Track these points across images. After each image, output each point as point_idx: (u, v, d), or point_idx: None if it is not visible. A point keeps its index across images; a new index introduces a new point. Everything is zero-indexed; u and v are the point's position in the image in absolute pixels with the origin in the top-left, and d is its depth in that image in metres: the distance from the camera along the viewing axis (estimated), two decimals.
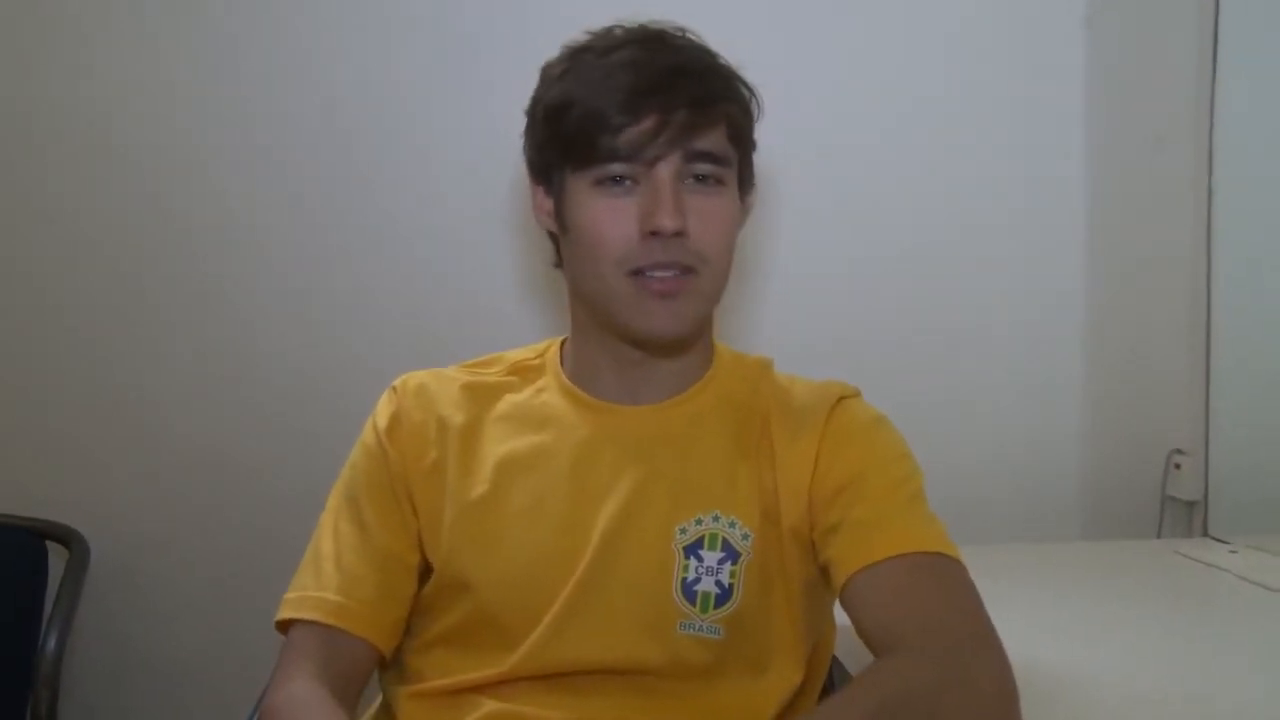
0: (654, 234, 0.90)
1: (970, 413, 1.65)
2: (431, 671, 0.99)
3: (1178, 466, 1.61)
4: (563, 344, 1.07)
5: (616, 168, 0.91)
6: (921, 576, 0.89)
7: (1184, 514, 1.62)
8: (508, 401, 1.04)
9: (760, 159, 1.55)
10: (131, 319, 1.63)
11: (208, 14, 1.59)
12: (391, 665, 1.04)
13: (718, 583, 0.95)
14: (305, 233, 1.62)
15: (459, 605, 0.98)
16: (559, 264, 1.02)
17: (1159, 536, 1.63)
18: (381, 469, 1.01)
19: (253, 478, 1.64)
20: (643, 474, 0.98)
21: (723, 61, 0.97)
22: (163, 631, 1.67)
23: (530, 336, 1.12)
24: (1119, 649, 1.13)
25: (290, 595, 0.98)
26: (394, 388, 1.05)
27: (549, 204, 0.99)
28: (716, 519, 0.96)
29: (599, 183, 0.92)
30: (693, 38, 0.97)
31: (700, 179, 0.92)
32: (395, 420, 1.02)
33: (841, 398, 1.01)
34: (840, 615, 1.03)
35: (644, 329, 0.95)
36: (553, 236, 1.01)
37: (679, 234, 0.90)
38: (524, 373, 1.06)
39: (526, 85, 0.98)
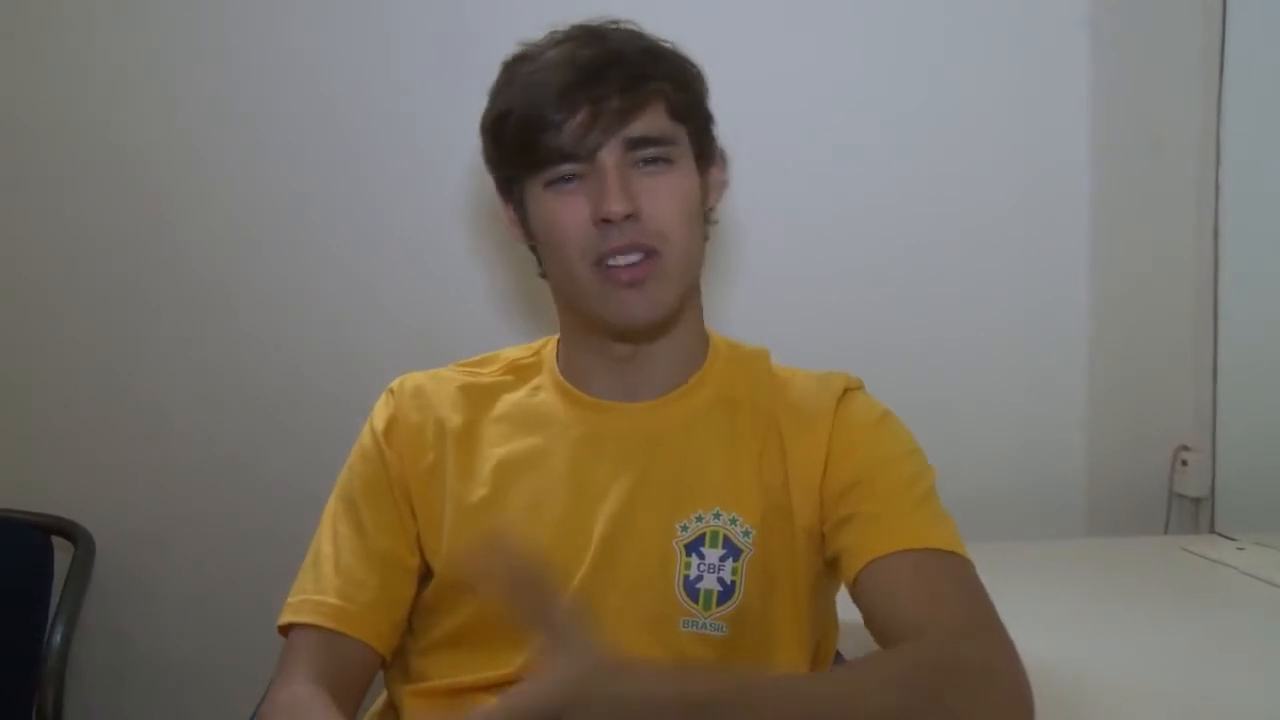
0: (606, 221, 0.90)
1: (976, 410, 1.64)
2: (436, 672, 0.99)
3: (1184, 463, 1.61)
4: (558, 341, 1.06)
5: (564, 167, 0.91)
6: (933, 571, 0.89)
7: (1191, 510, 1.62)
8: (505, 402, 1.03)
9: (762, 161, 1.56)
10: (135, 319, 1.63)
11: (208, 14, 1.58)
12: (395, 665, 1.04)
13: (720, 580, 0.94)
14: (304, 233, 1.62)
15: (462, 608, 0.98)
16: (543, 274, 1.01)
17: (1165, 533, 1.63)
18: (379, 472, 1.01)
19: (256, 477, 1.64)
20: (641, 472, 0.97)
21: (655, 42, 0.96)
22: (166, 628, 1.68)
23: (529, 336, 1.11)
24: (1125, 645, 1.13)
25: (291, 599, 0.98)
26: (391, 390, 1.05)
27: (516, 217, 0.99)
28: (717, 516, 0.96)
29: (550, 184, 0.93)
30: (629, 26, 0.97)
31: (648, 161, 0.92)
32: (392, 423, 1.02)
33: (847, 389, 1.00)
34: (843, 612, 1.04)
35: (619, 319, 0.94)
36: (531, 248, 1.01)
37: (631, 216, 0.90)
38: (520, 371, 1.06)
39: None
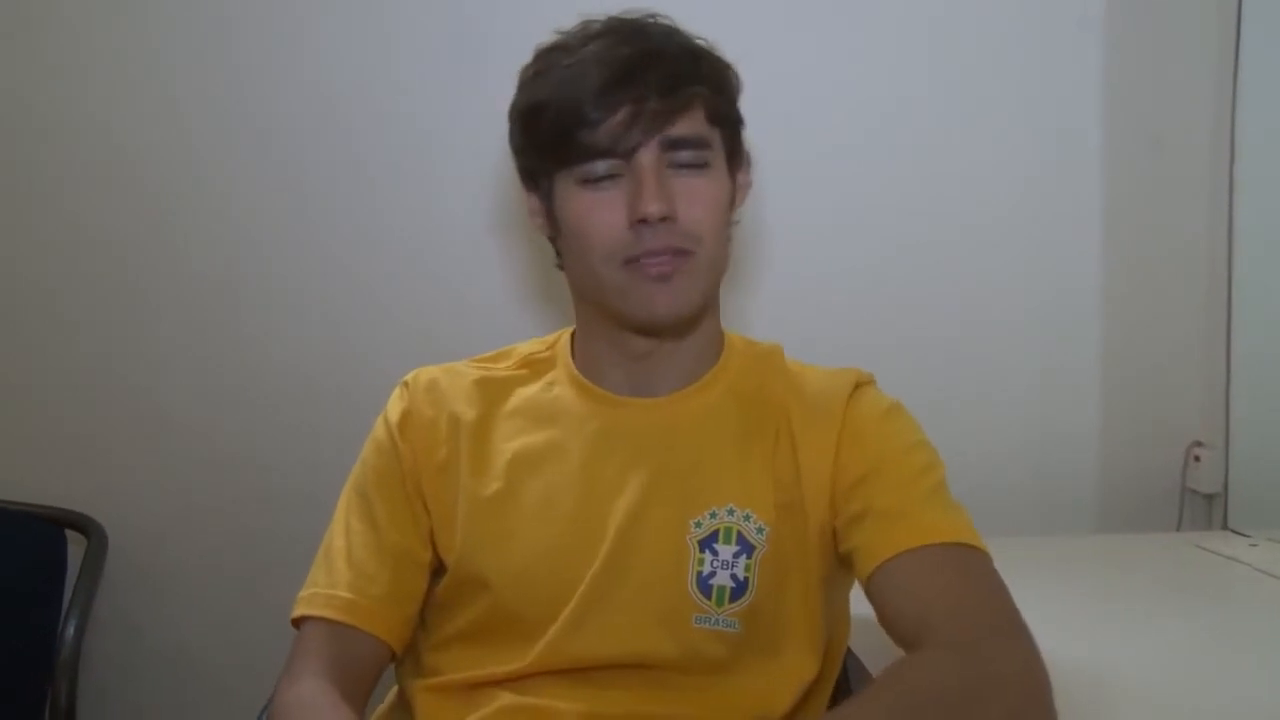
0: (642, 221, 0.89)
1: (988, 405, 1.64)
2: (448, 666, 0.99)
3: (1197, 459, 1.60)
4: (573, 334, 1.06)
5: (599, 164, 0.91)
6: (948, 567, 0.89)
7: (1203, 507, 1.61)
8: (519, 396, 1.03)
9: (774, 157, 1.55)
10: (146, 317, 1.64)
11: (210, 15, 1.59)
12: (407, 659, 1.04)
13: (733, 576, 0.94)
14: (310, 232, 1.62)
15: (475, 602, 0.98)
16: (560, 265, 1.01)
17: (1178, 529, 1.62)
18: (393, 465, 1.01)
19: (266, 472, 1.64)
20: (655, 468, 0.97)
21: (694, 41, 0.96)
22: (178, 620, 1.68)
23: (538, 331, 1.11)
24: (1137, 642, 1.13)
25: (303, 593, 0.98)
26: (405, 383, 1.05)
27: (541, 208, 0.99)
28: (731, 512, 0.96)
29: (584, 180, 0.92)
30: (664, 21, 0.96)
31: (684, 164, 0.92)
32: (406, 416, 1.02)
33: (858, 384, 1.00)
34: (854, 607, 1.04)
35: (645, 314, 0.94)
36: (551, 239, 1.01)
37: (667, 219, 0.90)
38: (535, 365, 1.06)
39: None
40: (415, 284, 1.62)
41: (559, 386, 1.03)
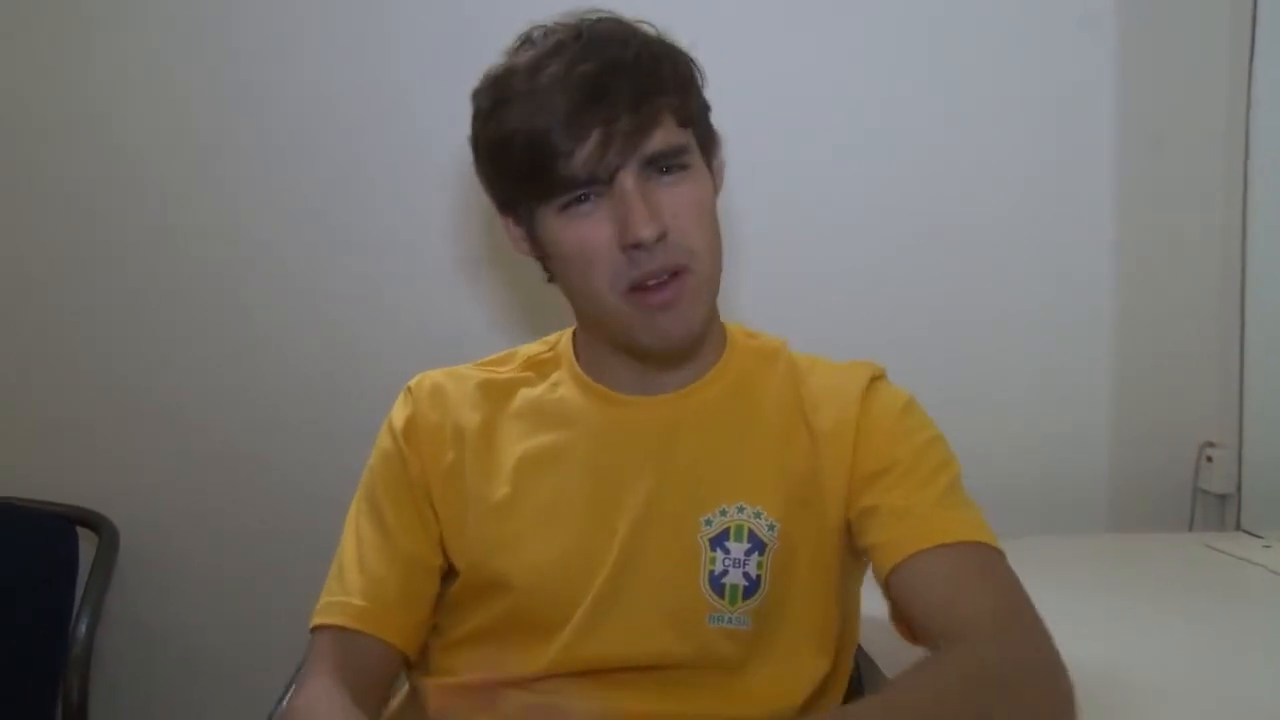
0: (635, 246, 0.88)
1: (999, 405, 1.63)
2: (462, 667, 0.99)
3: (1210, 459, 1.59)
4: (575, 333, 1.06)
5: (578, 191, 0.89)
6: (966, 566, 0.89)
7: (1216, 507, 1.60)
8: (523, 397, 1.03)
9: (774, 157, 1.55)
10: (157, 315, 1.65)
11: (210, 15, 1.59)
12: (419, 659, 1.04)
13: (745, 574, 0.94)
14: (313, 231, 1.62)
15: (489, 606, 0.98)
16: (550, 279, 0.99)
17: (1190, 530, 1.61)
18: (400, 472, 1.01)
19: (277, 470, 1.65)
20: (663, 466, 0.97)
21: (649, 39, 0.93)
22: (189, 617, 1.69)
23: (542, 331, 1.11)
24: (1148, 643, 1.12)
25: (319, 603, 0.99)
26: (409, 389, 1.05)
27: (522, 233, 0.97)
28: (741, 510, 0.95)
29: (565, 207, 0.90)
30: (607, 18, 0.93)
31: (665, 170, 0.90)
32: (411, 423, 1.02)
33: (874, 376, 1.00)
34: (864, 608, 1.03)
35: (654, 343, 0.93)
36: (538, 258, 0.99)
37: (661, 237, 0.88)
38: (538, 367, 1.06)
39: None
40: (418, 283, 1.63)
41: (563, 387, 1.03)
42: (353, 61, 1.59)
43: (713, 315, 0.99)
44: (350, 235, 1.62)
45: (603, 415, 1.00)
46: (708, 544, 0.95)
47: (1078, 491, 1.63)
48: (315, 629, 0.98)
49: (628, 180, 0.88)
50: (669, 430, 0.99)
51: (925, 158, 1.60)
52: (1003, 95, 1.60)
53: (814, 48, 1.59)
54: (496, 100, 0.92)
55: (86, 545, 1.59)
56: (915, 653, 0.89)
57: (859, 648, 1.08)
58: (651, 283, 0.90)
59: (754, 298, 1.52)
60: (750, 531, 0.95)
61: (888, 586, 0.91)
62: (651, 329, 0.92)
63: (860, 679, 1.11)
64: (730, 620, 0.94)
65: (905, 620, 0.92)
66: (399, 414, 1.03)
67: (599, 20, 0.93)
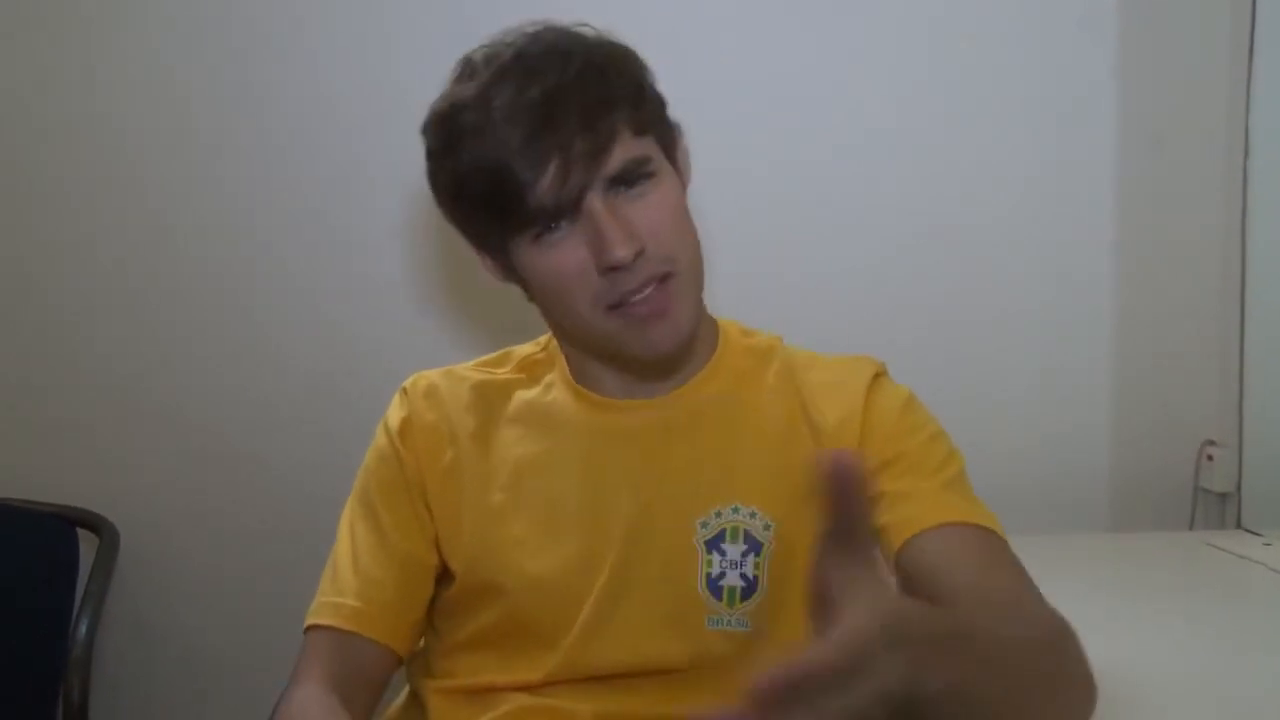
0: (613, 268, 0.87)
1: (999, 404, 1.63)
2: (462, 671, 0.99)
3: (1210, 458, 1.59)
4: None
5: (546, 220, 0.87)
6: (976, 544, 0.89)
7: (1216, 506, 1.60)
8: (519, 400, 1.02)
9: (774, 157, 1.54)
10: (157, 316, 1.65)
11: (210, 15, 1.59)
12: (418, 661, 1.04)
13: (743, 576, 0.94)
14: (313, 231, 1.63)
15: (486, 610, 0.97)
16: (531, 299, 0.98)
17: (1191, 528, 1.61)
18: (396, 472, 1.00)
19: (277, 471, 1.65)
20: (657, 469, 0.97)
21: (591, 46, 0.90)
22: (190, 618, 1.69)
23: (542, 331, 1.11)
24: (1149, 642, 1.12)
25: (313, 604, 0.98)
26: (404, 390, 1.04)
27: (495, 265, 0.96)
28: (736, 511, 0.95)
29: (538, 237, 0.88)
30: (545, 28, 0.91)
31: (630, 184, 0.88)
32: (407, 423, 1.01)
33: (878, 373, 1.00)
34: None
35: (647, 353, 0.92)
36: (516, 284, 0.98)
37: (638, 254, 0.87)
38: (532, 368, 1.05)
39: None
40: (418, 283, 1.63)
41: (555, 389, 1.02)
42: (353, 61, 1.59)
43: (701, 314, 0.98)
44: (350, 235, 1.62)
45: (594, 420, 0.99)
46: (704, 546, 0.94)
47: (1079, 491, 1.63)
48: (308, 629, 0.98)
49: (595, 202, 0.86)
50: (662, 433, 0.98)
51: (925, 158, 1.60)
52: (1003, 95, 1.60)
53: (814, 48, 1.59)
54: (449, 137, 0.89)
55: (86, 546, 1.58)
56: None
57: None
58: (635, 297, 0.89)
59: (754, 298, 1.51)
60: (746, 532, 0.95)
61: (898, 560, 0.89)
62: (642, 340, 0.91)
63: None
64: (729, 622, 0.94)
65: (915, 595, 0.91)
66: (394, 414, 1.03)
67: (536, 35, 0.90)
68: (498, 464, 0.99)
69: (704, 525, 0.95)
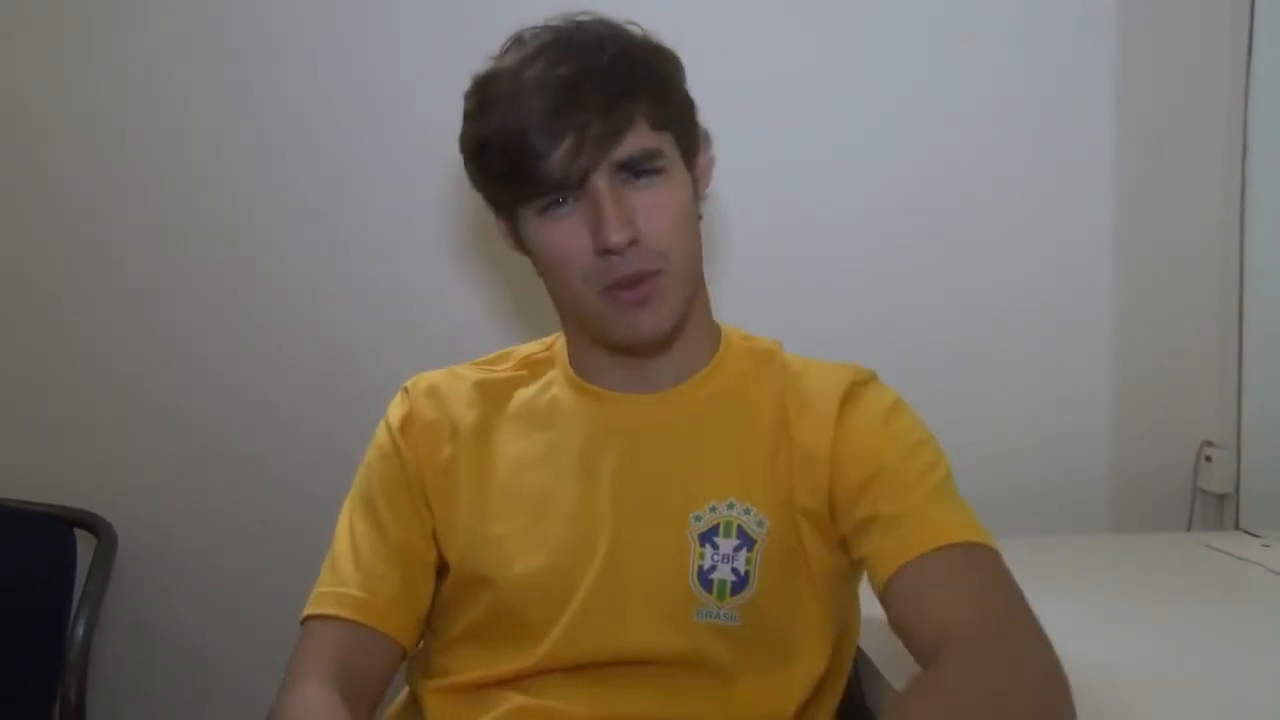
0: (607, 251, 0.89)
1: (998, 405, 1.63)
2: (456, 667, 0.99)
3: (1209, 459, 1.59)
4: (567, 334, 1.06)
5: (554, 194, 0.90)
6: (960, 570, 0.88)
7: (1215, 507, 1.61)
8: (519, 398, 1.04)
9: (774, 157, 1.54)
10: (155, 317, 1.64)
11: (210, 15, 1.59)
12: (416, 662, 1.04)
13: (734, 570, 0.94)
14: (313, 231, 1.62)
15: (479, 602, 0.98)
16: (540, 273, 1.00)
17: (1189, 529, 1.61)
18: (396, 468, 1.01)
19: (276, 471, 1.65)
20: (654, 463, 0.98)
21: (632, 41, 0.93)
22: (188, 619, 1.69)
23: (541, 332, 1.12)
24: (1148, 643, 1.12)
25: (312, 595, 0.98)
26: (405, 388, 1.06)
27: (509, 230, 0.99)
28: (731, 506, 0.96)
29: (543, 210, 0.91)
30: (597, 21, 0.94)
31: (639, 174, 0.91)
32: (408, 419, 1.03)
33: (854, 383, 0.99)
34: (864, 608, 1.03)
35: (628, 338, 0.94)
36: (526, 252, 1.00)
37: (632, 243, 0.89)
38: (534, 366, 1.06)
39: None
40: (418, 283, 1.62)
41: (556, 386, 1.04)
42: (353, 61, 1.59)
43: (692, 315, 0.99)
44: (350, 235, 1.62)
45: (594, 414, 1.01)
46: (696, 540, 0.95)
47: (1078, 492, 1.63)
48: (307, 620, 0.97)
49: (600, 183, 0.89)
50: (660, 428, 0.99)
51: (925, 158, 1.60)
52: (1003, 95, 1.60)
53: (814, 48, 1.59)
54: (481, 102, 0.93)
55: (84, 546, 1.58)
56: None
57: (859, 649, 1.08)
58: (626, 290, 0.91)
59: (754, 298, 1.52)
60: (739, 528, 0.95)
61: (884, 596, 0.90)
62: (622, 323, 0.93)
63: (860, 681, 1.10)
64: (719, 615, 0.94)
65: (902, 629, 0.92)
66: (395, 411, 1.04)
67: (585, 23, 0.94)
68: (496, 459, 1.01)
69: (697, 519, 0.96)
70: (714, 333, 1.04)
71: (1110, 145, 1.60)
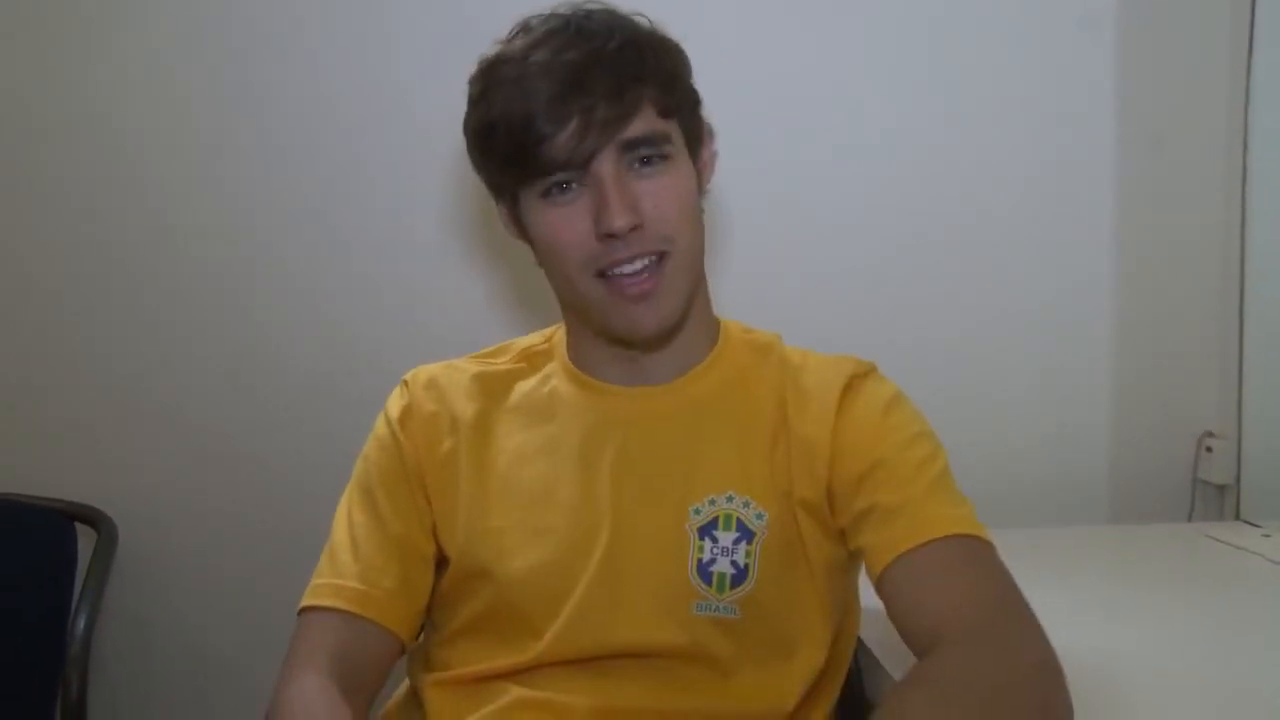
0: (609, 235, 0.89)
1: (999, 397, 1.63)
2: (456, 661, 0.99)
3: (1209, 449, 1.60)
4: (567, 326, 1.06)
5: (559, 176, 0.90)
6: (955, 562, 0.88)
7: (1215, 497, 1.61)
8: (518, 391, 1.04)
9: (775, 157, 1.54)
10: (157, 313, 1.65)
11: (210, 15, 1.59)
12: (416, 655, 1.04)
13: (733, 563, 0.94)
14: (313, 231, 1.63)
15: (479, 595, 0.98)
16: (540, 263, 1.00)
17: (1190, 520, 1.61)
18: (395, 460, 1.01)
19: (276, 466, 1.65)
20: (653, 456, 0.97)
21: (638, 29, 0.94)
22: (189, 613, 1.69)
23: (540, 326, 1.12)
24: (1149, 633, 1.12)
25: (310, 586, 0.98)
26: (405, 381, 1.05)
27: (510, 216, 0.98)
28: (730, 499, 0.96)
29: (545, 193, 0.91)
30: (604, 9, 0.94)
31: (644, 161, 0.91)
32: (407, 412, 1.02)
33: (854, 375, 0.99)
34: (863, 599, 1.03)
35: (627, 332, 0.94)
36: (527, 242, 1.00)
37: (635, 228, 0.89)
38: (533, 359, 1.06)
39: None
40: (418, 283, 1.63)
41: (555, 379, 1.03)
42: (353, 61, 1.59)
43: (693, 308, 0.99)
44: (350, 235, 1.62)
45: (593, 406, 1.01)
46: (696, 533, 0.95)
47: (1079, 483, 1.63)
48: (305, 611, 0.97)
49: (605, 166, 0.89)
50: (659, 420, 0.99)
51: (925, 158, 1.60)
52: (1003, 95, 1.60)
53: (814, 48, 1.59)
54: (487, 86, 0.93)
55: (85, 542, 1.58)
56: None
57: (859, 641, 1.08)
58: (628, 270, 0.91)
59: (754, 297, 1.51)
60: (739, 521, 0.95)
61: (880, 587, 0.90)
62: (624, 317, 0.93)
63: (860, 672, 1.10)
64: (718, 608, 0.94)
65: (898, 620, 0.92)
66: (395, 404, 1.04)
67: (593, 11, 0.94)
68: (495, 452, 1.00)
69: (697, 512, 0.96)
70: (714, 326, 1.04)
71: (1110, 145, 1.60)
